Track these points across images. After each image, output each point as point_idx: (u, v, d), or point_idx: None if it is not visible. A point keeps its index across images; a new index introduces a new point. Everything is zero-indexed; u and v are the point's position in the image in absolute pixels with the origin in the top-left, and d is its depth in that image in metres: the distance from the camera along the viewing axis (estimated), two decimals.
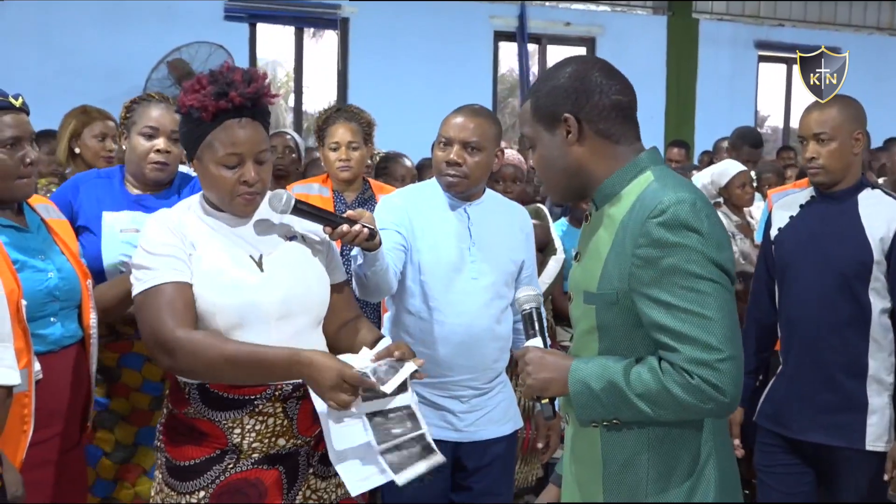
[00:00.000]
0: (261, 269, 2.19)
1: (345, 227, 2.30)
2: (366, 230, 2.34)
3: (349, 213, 2.35)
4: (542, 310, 2.06)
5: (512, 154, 4.17)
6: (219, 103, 2.11)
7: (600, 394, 1.80)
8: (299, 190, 3.75)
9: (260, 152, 2.18)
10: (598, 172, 1.89)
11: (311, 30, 9.64)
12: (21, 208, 2.51)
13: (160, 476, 2.24)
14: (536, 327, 2.00)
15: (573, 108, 1.87)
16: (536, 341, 1.97)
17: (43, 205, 2.63)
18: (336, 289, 2.36)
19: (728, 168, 5.17)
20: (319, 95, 9.95)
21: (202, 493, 2.15)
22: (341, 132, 3.70)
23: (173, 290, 2.12)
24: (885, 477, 2.81)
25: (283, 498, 2.19)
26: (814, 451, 2.89)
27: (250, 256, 2.21)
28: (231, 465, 2.15)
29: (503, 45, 9.95)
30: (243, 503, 2.14)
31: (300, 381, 2.15)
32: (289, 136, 5.36)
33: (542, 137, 1.92)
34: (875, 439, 2.80)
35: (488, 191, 3.01)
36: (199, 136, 2.17)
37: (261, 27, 9.28)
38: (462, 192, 2.88)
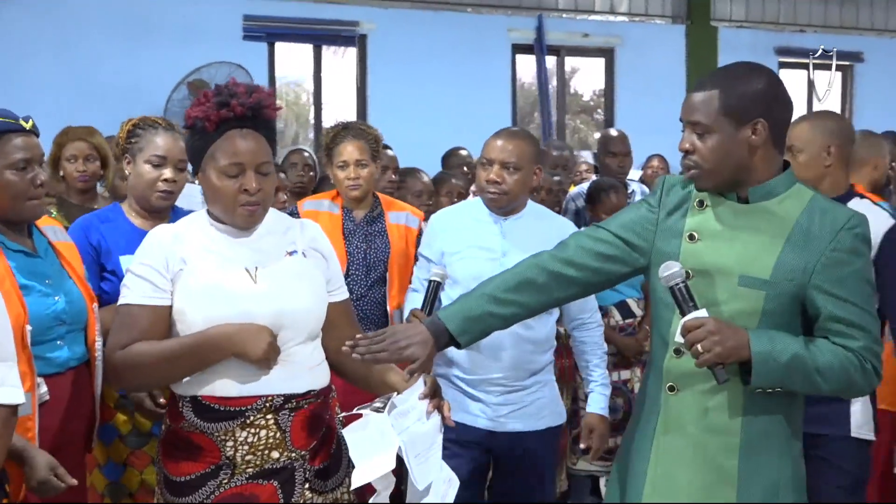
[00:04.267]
0: (254, 281, 2.22)
1: None
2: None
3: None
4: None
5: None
6: (220, 112, 2.17)
7: (782, 364, 2.01)
8: (310, 206, 3.79)
9: (262, 164, 2.22)
10: (759, 173, 2.13)
11: (330, 47, 9.68)
12: (30, 230, 2.53)
13: (159, 492, 2.27)
14: (692, 303, 2.06)
15: (766, 114, 2.10)
16: (701, 312, 2.05)
17: (51, 227, 2.66)
18: (336, 307, 2.37)
19: None
20: (339, 112, 9.97)
21: None
22: (350, 150, 3.71)
23: (134, 312, 2.20)
24: None
25: None
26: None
27: (246, 269, 2.23)
28: (226, 481, 2.17)
29: (521, 57, 9.95)
30: None
31: (292, 392, 2.20)
32: (307, 154, 5.44)
33: (725, 130, 2.10)
34: (858, 427, 3.01)
35: (531, 204, 3.21)
36: (202, 148, 2.22)
37: (279, 46, 9.34)
38: (502, 207, 3.10)
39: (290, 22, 9.07)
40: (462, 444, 2.97)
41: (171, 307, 2.20)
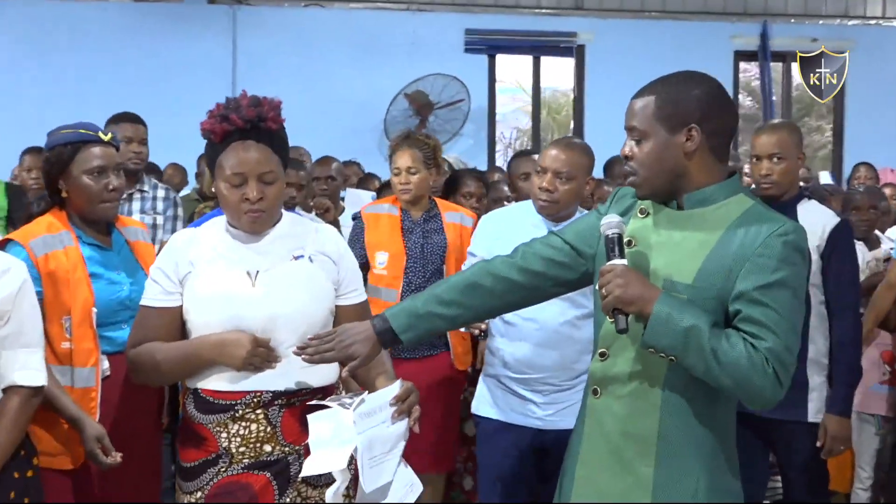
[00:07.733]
0: (253, 284, 2.34)
1: None
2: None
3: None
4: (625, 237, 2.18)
5: None
6: (222, 125, 2.30)
7: (680, 329, 1.95)
8: (371, 210, 4.10)
9: (264, 173, 2.30)
10: (697, 180, 2.09)
11: (549, 57, 9.80)
12: (109, 229, 2.85)
13: (177, 476, 2.46)
14: (617, 251, 2.09)
15: (700, 120, 2.05)
16: (623, 261, 2.07)
17: (133, 227, 2.98)
18: (348, 309, 2.46)
19: None
20: (557, 121, 10.09)
21: (199, 494, 2.33)
22: (402, 159, 3.96)
23: (147, 313, 2.40)
24: (818, 443, 3.26)
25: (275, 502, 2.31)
26: (765, 425, 3.28)
27: (247, 273, 2.35)
28: (224, 469, 2.32)
29: (743, 65, 9.68)
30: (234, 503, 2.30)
31: (282, 389, 2.32)
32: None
33: (659, 136, 2.08)
34: (815, 413, 3.28)
35: (581, 212, 3.28)
36: (213, 158, 2.36)
37: (500, 57, 9.57)
38: (552, 214, 3.25)
39: (510, 34, 9.29)
40: (513, 445, 3.16)
41: (180, 308, 2.37)
